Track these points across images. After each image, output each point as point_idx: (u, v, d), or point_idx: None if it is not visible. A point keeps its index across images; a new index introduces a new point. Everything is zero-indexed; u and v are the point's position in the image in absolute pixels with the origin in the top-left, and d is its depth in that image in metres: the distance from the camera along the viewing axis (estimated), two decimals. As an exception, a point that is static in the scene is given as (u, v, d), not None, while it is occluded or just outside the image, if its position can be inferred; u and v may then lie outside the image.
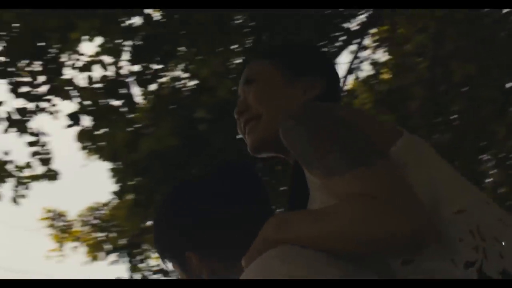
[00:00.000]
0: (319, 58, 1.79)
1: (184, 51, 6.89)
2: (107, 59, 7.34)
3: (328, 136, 1.33)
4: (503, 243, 1.28)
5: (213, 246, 1.71)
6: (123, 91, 6.97)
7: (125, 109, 6.89)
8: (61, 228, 12.81)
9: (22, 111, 7.66)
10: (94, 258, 12.59)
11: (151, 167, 7.68)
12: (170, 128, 6.81)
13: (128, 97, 6.92)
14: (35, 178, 8.09)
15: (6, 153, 8.60)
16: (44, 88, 7.63)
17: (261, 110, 1.66)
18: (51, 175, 8.07)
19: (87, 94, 6.93)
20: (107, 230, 12.38)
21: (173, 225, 1.77)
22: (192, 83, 7.68)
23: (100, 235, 12.49)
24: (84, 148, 8.27)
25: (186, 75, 7.61)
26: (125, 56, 7.30)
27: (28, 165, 8.06)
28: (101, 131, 7.40)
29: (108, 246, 12.33)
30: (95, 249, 12.57)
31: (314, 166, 1.34)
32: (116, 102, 7.01)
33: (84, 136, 7.27)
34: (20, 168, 8.74)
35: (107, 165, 9.01)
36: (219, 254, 1.70)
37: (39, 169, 8.07)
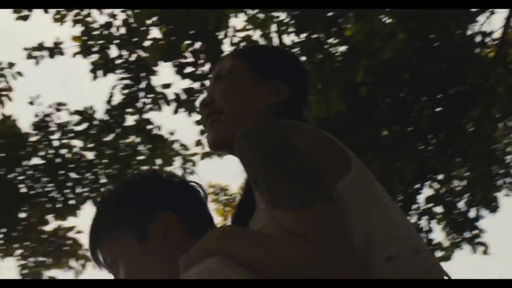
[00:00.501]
0: (289, 63, 1.80)
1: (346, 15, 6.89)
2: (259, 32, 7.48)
3: (279, 167, 1.38)
4: None
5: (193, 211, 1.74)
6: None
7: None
8: (224, 202, 13.14)
9: (189, 91, 7.90)
10: (258, 229, 12.86)
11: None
12: (337, 95, 6.82)
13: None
14: (206, 155, 8.34)
15: (171, 133, 8.94)
16: (206, 67, 7.83)
17: (224, 107, 1.69)
18: (221, 151, 8.29)
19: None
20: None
21: (147, 187, 1.77)
22: (345, 47, 7.65)
23: (263, 206, 12.73)
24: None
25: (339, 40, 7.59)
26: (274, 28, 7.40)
27: (198, 143, 8.32)
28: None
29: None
30: (258, 220, 12.83)
31: (261, 190, 1.40)
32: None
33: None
34: (185, 147, 9.05)
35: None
36: (194, 224, 1.71)
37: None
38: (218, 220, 13.10)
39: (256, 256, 1.32)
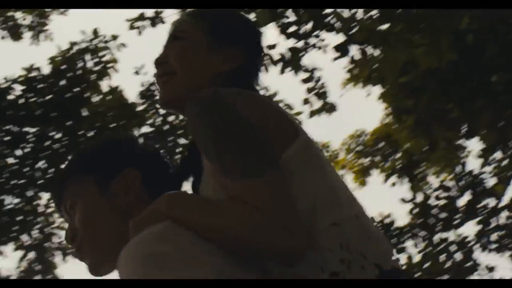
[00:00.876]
0: (247, 31, 1.80)
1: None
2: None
3: (229, 137, 1.42)
4: (366, 258, 1.41)
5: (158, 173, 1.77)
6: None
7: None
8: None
9: (293, 50, 7.89)
10: (361, 184, 12.86)
11: (426, 86, 7.63)
12: (448, 44, 6.70)
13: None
14: (314, 113, 8.35)
15: (275, 94, 8.96)
16: (309, 25, 7.79)
17: (178, 69, 1.70)
18: (329, 108, 8.29)
19: (365, 25, 6.99)
20: (372, 155, 12.56)
21: (117, 143, 1.83)
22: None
23: (365, 160, 12.70)
24: (353, 78, 8.43)
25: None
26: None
27: (306, 101, 8.33)
28: (375, 57, 7.45)
29: (374, 171, 12.55)
30: (361, 175, 12.81)
31: (211, 159, 1.44)
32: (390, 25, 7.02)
33: (360, 65, 7.36)
34: (289, 106, 9.07)
35: (371, 91, 9.12)
36: (155, 185, 1.72)
37: (316, 104, 8.32)
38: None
39: (204, 221, 1.36)
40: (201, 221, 1.36)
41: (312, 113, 8.35)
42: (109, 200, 1.73)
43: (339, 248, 1.41)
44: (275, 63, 7.94)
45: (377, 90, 9.41)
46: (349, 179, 12.94)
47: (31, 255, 8.90)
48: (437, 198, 9.61)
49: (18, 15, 11.92)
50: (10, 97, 8.83)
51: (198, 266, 1.31)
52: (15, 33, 12.14)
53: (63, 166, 8.80)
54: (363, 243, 1.44)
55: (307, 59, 9.14)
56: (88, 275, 1.76)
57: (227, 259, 1.34)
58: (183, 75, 1.69)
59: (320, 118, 8.89)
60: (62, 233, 9.00)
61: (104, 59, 9.30)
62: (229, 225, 1.34)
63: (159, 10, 8.57)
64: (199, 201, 1.44)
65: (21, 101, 8.76)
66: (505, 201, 9.61)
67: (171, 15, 8.49)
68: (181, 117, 9.15)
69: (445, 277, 9.18)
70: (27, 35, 12.13)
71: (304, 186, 1.44)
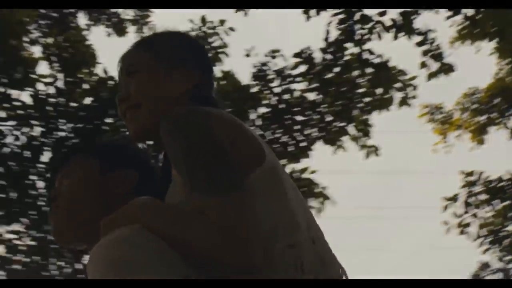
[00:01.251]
0: (193, 49, 1.86)
1: None
2: None
3: (199, 154, 1.49)
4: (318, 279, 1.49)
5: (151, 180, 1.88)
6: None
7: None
8: (441, 120, 12.94)
9: (404, 14, 7.77)
10: (479, 142, 12.60)
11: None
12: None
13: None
14: (432, 75, 8.21)
15: (387, 60, 8.84)
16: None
17: (141, 100, 1.74)
18: (446, 69, 8.14)
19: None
20: (488, 112, 12.29)
21: (129, 146, 1.98)
22: None
23: (481, 118, 12.44)
24: (465, 35, 8.23)
25: None
26: None
27: (423, 64, 8.20)
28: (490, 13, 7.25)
29: (491, 128, 12.27)
30: (478, 133, 12.56)
31: (181, 173, 1.51)
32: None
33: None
34: (403, 72, 8.93)
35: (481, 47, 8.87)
36: (146, 192, 1.76)
37: (433, 66, 8.18)
38: (437, 138, 12.96)
39: (171, 232, 1.43)
40: (169, 231, 1.44)
41: (430, 76, 8.21)
42: (102, 185, 1.87)
43: (293, 268, 1.48)
44: (387, 29, 7.85)
45: (490, 45, 9.20)
46: (466, 138, 12.73)
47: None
48: None
49: (121, 10, 12.21)
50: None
51: (164, 272, 1.38)
52: (120, 29, 12.45)
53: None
54: (316, 266, 1.52)
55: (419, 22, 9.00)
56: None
57: (192, 266, 1.41)
58: (148, 105, 1.74)
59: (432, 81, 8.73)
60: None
61: (214, 45, 9.39)
62: (191, 238, 1.41)
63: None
64: (169, 211, 1.50)
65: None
66: None
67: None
68: (295, 94, 9.18)
69: None
70: (131, 29, 12.46)
71: (265, 208, 1.49)
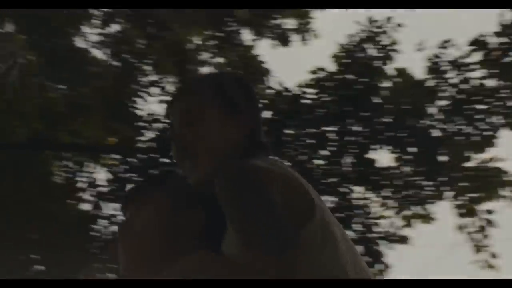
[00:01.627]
0: (245, 91, 1.86)
1: None
2: None
3: (253, 214, 1.48)
4: None
5: None
6: None
7: None
8: None
9: None
10: None
11: None
12: None
13: None
14: None
15: None
16: None
17: (198, 151, 1.76)
18: None
19: None
20: None
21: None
22: None
23: None
24: None
25: None
26: None
27: None
28: None
29: None
30: None
31: (236, 230, 1.49)
32: None
33: None
34: None
35: None
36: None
37: None
38: None
39: None
40: None
41: None
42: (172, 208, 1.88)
43: None
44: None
45: None
46: None
47: (359, 249, 9.10)
48: None
49: (281, 21, 12.36)
50: (304, 101, 9.11)
51: None
52: (284, 39, 12.60)
53: (368, 157, 8.95)
54: None
55: None
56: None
57: None
58: (206, 156, 1.77)
59: None
60: (382, 222, 9.12)
61: (383, 43, 9.31)
62: None
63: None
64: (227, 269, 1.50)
65: (316, 103, 9.00)
66: None
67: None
68: (473, 82, 8.92)
69: None
70: (293, 38, 12.56)
71: (318, 264, 1.53)
